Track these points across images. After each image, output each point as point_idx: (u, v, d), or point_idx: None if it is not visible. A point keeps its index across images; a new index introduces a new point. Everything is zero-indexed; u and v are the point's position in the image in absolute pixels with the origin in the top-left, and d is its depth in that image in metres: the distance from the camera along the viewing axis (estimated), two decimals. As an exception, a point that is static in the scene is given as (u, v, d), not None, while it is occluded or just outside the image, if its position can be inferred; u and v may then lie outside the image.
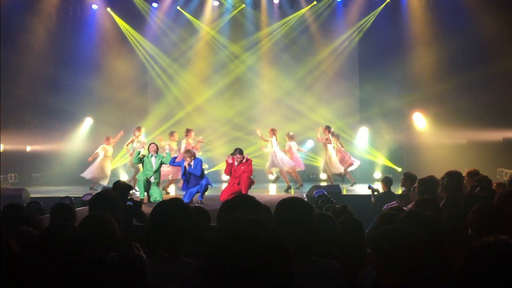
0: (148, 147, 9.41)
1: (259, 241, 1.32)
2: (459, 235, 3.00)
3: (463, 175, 6.13)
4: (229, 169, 9.06)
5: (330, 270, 2.32)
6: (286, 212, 2.34)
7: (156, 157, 9.19)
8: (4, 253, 2.06)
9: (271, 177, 12.04)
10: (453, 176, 5.31)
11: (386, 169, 13.49)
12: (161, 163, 9.33)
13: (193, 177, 8.76)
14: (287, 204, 2.40)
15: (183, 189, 9.09)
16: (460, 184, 5.46)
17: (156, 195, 8.92)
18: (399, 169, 13.12)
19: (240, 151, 9.01)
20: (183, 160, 8.93)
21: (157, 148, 9.50)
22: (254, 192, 9.32)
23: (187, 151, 9.23)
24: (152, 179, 9.06)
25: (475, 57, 12.17)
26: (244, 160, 8.91)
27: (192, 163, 8.79)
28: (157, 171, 9.20)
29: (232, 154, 9.02)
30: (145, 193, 9.04)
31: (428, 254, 2.05)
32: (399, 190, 8.46)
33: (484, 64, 12.05)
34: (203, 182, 8.71)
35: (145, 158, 9.25)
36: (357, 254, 2.92)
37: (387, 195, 7.48)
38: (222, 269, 1.29)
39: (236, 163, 8.93)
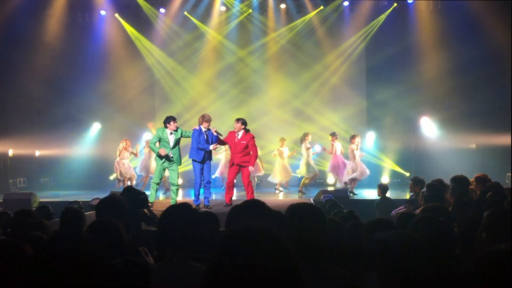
0: (169, 122, 8.40)
1: (264, 249, 1.32)
2: (468, 240, 2.97)
3: (471, 180, 6.10)
4: (222, 140, 8.43)
5: (340, 279, 2.28)
6: (297, 217, 2.32)
7: (174, 133, 8.40)
8: (19, 257, 2.10)
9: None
10: (458, 181, 5.29)
11: (394, 173, 13.43)
12: (179, 140, 8.50)
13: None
14: (298, 209, 2.37)
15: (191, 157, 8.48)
16: (466, 189, 5.43)
17: (174, 177, 8.47)
18: (407, 174, 13.05)
19: (244, 122, 8.43)
20: (196, 131, 8.34)
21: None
22: (263, 196, 9.31)
23: (202, 116, 8.47)
24: (171, 155, 8.37)
25: (483, 61, 12.08)
26: (244, 131, 8.35)
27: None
28: (174, 147, 8.44)
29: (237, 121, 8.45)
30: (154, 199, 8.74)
31: (430, 259, 2.04)
32: (407, 195, 8.50)
33: (492, 68, 11.98)
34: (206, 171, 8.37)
35: (161, 132, 8.37)
36: (364, 259, 2.91)
37: (383, 201, 7.96)
38: (228, 275, 1.30)
39: (237, 136, 8.37)
